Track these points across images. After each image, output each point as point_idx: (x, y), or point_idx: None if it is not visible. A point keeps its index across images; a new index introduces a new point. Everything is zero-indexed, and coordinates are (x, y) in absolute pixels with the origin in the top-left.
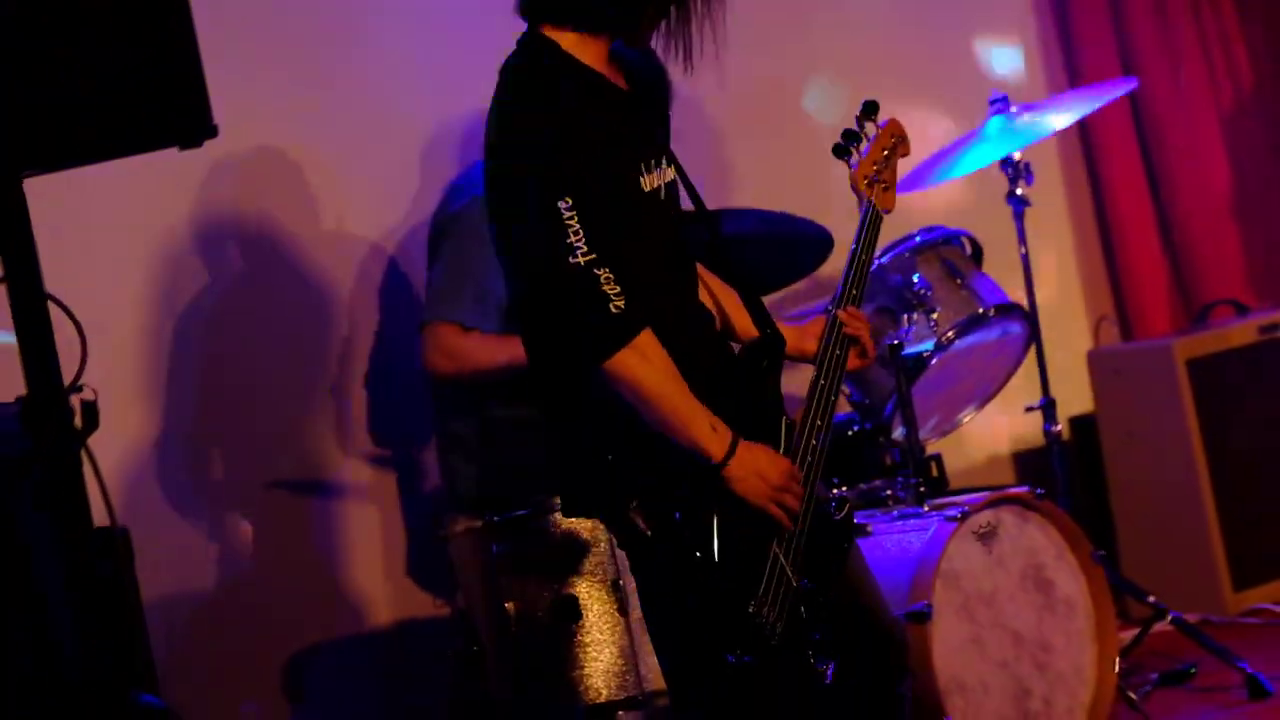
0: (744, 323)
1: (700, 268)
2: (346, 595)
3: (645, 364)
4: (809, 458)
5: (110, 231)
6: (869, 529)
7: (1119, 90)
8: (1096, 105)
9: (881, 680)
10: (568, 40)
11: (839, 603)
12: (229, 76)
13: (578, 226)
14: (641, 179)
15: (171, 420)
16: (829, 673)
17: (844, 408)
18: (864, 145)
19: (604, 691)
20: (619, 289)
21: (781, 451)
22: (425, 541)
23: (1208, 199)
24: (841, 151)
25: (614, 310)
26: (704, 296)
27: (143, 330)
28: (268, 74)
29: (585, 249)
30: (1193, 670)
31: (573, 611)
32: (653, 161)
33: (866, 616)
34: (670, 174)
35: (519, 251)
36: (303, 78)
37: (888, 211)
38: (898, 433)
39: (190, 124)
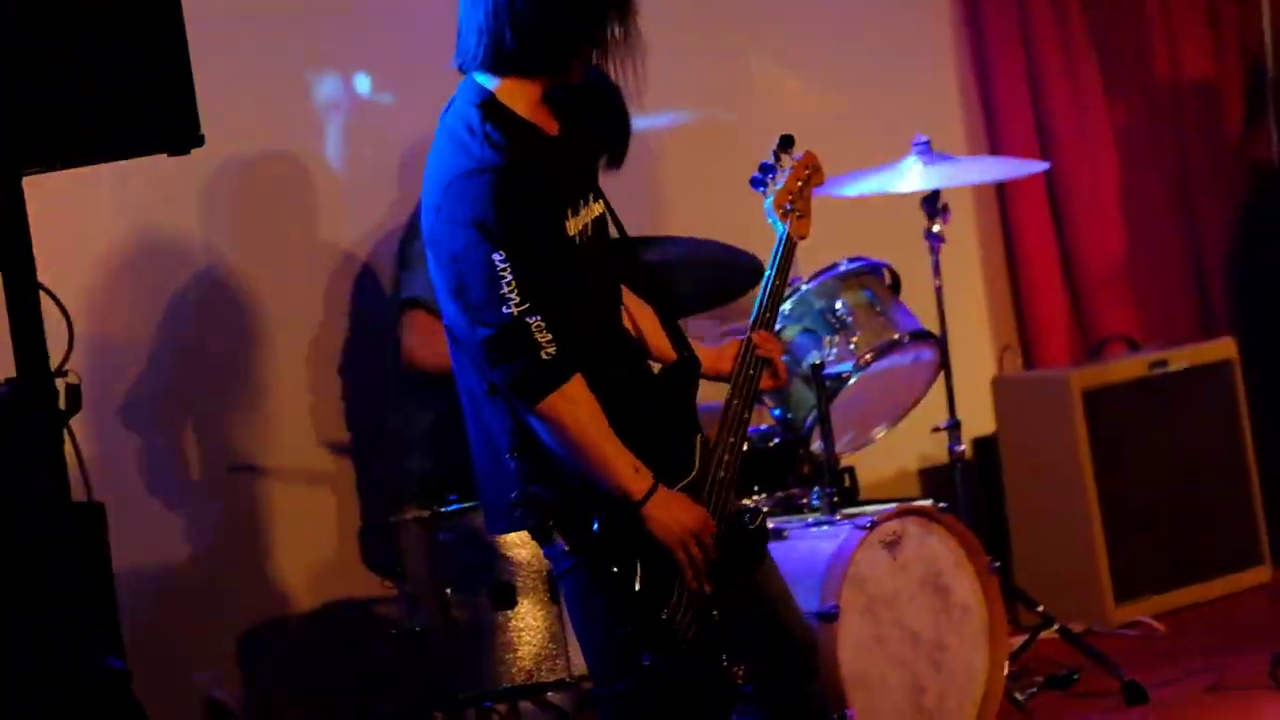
0: (660, 344)
1: (624, 290)
2: (303, 574)
3: (573, 408)
4: (721, 472)
5: (101, 225)
6: (785, 533)
7: (1034, 167)
8: (1011, 171)
9: (793, 679)
10: (502, 88)
11: (752, 607)
12: (217, 81)
13: (510, 278)
14: (567, 223)
15: (149, 405)
16: (741, 673)
17: (767, 421)
18: (780, 176)
19: (535, 673)
20: (550, 336)
21: (696, 467)
22: (377, 527)
23: (1106, 244)
24: (757, 183)
25: (544, 357)
26: (625, 319)
27: (127, 319)
28: (258, 82)
29: (518, 299)
30: (1075, 676)
31: (509, 598)
32: (580, 201)
33: (778, 620)
34: (598, 209)
35: (461, 298)
36: (291, 88)
37: (802, 238)
38: (816, 446)
39: (180, 133)
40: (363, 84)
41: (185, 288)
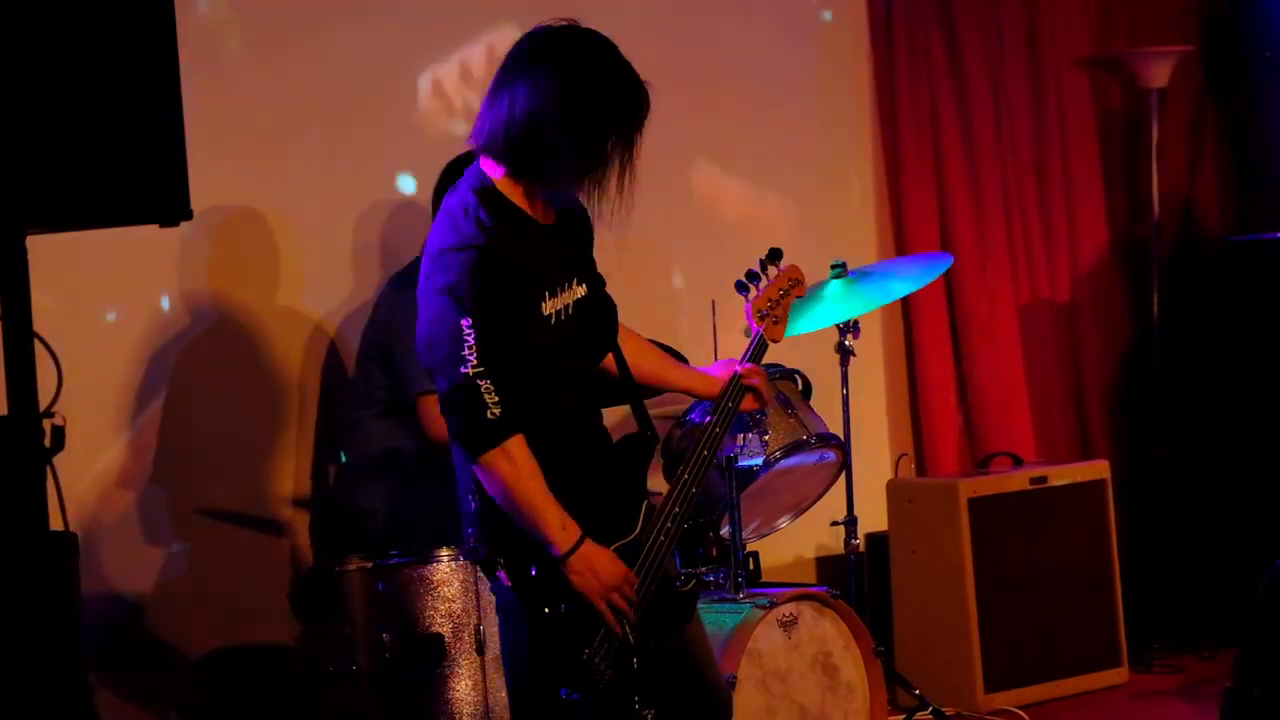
0: (663, 373)
1: (630, 333)
2: (256, 611)
3: (510, 464)
4: (662, 537)
5: (96, 281)
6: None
7: (940, 266)
8: (919, 286)
9: None
10: (503, 178)
11: (676, 661)
12: (213, 154)
13: (473, 343)
14: (544, 304)
15: (127, 448)
16: (650, 716)
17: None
18: (762, 283)
19: (458, 716)
20: (498, 399)
21: (638, 529)
22: (325, 573)
23: (999, 369)
24: (741, 287)
25: (490, 416)
26: (634, 353)
27: (113, 371)
28: (241, 160)
29: (475, 362)
30: None
31: (438, 648)
32: (563, 284)
33: (699, 676)
34: (581, 290)
35: (429, 353)
36: (274, 166)
37: (775, 341)
38: (725, 530)
39: (171, 207)
40: (338, 157)
41: (168, 345)
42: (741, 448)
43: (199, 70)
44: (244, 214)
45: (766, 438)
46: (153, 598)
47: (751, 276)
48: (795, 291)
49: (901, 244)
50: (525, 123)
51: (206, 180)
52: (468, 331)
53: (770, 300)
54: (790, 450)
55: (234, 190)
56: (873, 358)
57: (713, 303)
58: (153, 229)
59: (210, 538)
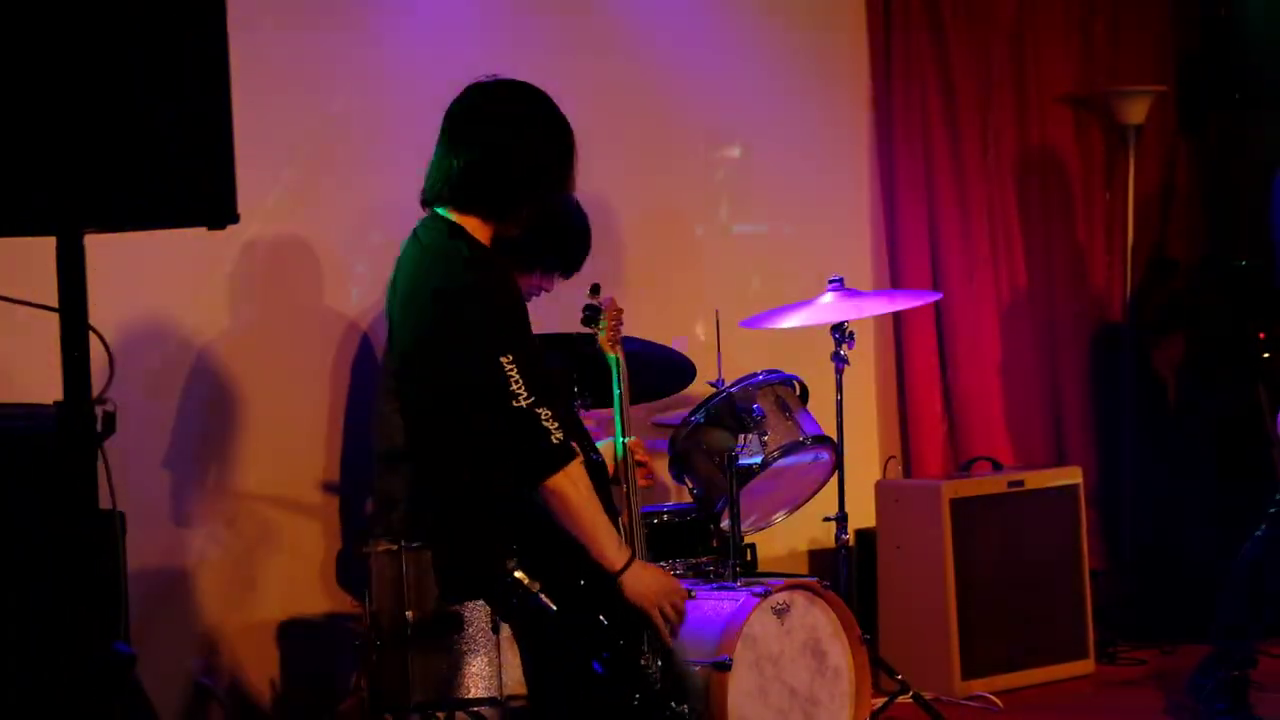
0: None
1: None
2: (288, 585)
3: (574, 486)
4: (635, 550)
5: (147, 279)
6: (693, 593)
7: (928, 298)
8: (910, 305)
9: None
10: (468, 223)
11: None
12: (258, 170)
13: (516, 376)
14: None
15: (173, 434)
16: (686, 712)
17: (687, 499)
18: (602, 318)
19: (472, 689)
20: (557, 424)
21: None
22: (352, 555)
23: (982, 379)
24: (590, 321)
25: (555, 441)
26: None
27: (162, 362)
28: (291, 169)
29: (525, 394)
30: None
31: (457, 625)
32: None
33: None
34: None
35: (468, 396)
36: (309, 181)
37: (621, 360)
38: (724, 524)
39: (219, 210)
40: (371, 172)
41: (213, 340)
42: (742, 447)
43: (243, 95)
44: (289, 225)
45: (765, 438)
46: (192, 573)
47: (593, 311)
48: (620, 318)
49: (895, 261)
50: (493, 167)
51: (259, 194)
52: (509, 367)
53: (614, 331)
54: (787, 450)
55: (284, 204)
56: (865, 367)
57: (716, 311)
58: (205, 233)
59: (247, 519)
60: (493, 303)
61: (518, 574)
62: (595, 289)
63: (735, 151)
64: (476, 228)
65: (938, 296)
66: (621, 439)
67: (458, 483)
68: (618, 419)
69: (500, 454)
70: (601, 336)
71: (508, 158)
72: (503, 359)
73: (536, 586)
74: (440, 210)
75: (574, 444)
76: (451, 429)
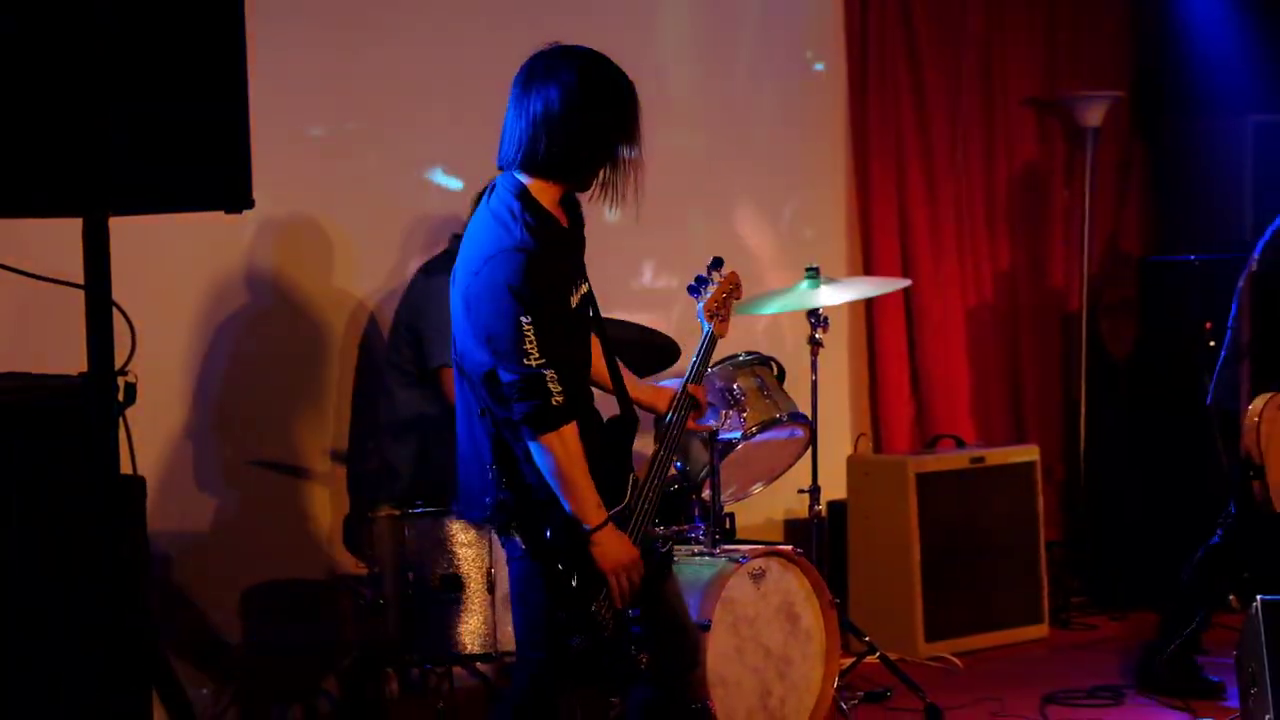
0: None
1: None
2: (297, 550)
3: (564, 447)
4: (645, 505)
5: (169, 258)
6: (676, 559)
7: (897, 285)
8: (880, 291)
9: (683, 668)
10: (533, 185)
11: (658, 610)
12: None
13: (533, 337)
14: (571, 298)
15: (191, 405)
16: (644, 660)
17: (671, 471)
18: (709, 288)
19: (469, 646)
20: (561, 387)
21: (628, 498)
22: (358, 519)
23: (948, 362)
24: (693, 290)
25: (554, 403)
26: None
27: (181, 337)
28: (305, 159)
29: (537, 355)
30: (889, 693)
31: (456, 585)
32: (581, 280)
33: (675, 620)
34: (585, 288)
35: (490, 345)
36: (324, 167)
37: (722, 336)
38: (705, 494)
39: (236, 196)
40: (379, 159)
41: (231, 317)
42: (723, 423)
43: (260, 86)
44: (303, 209)
45: (745, 415)
46: (208, 536)
47: (701, 281)
48: (736, 294)
49: (868, 251)
50: (555, 130)
51: (275, 180)
52: (527, 326)
53: (718, 301)
54: (765, 426)
55: (297, 189)
56: (839, 350)
57: None
58: (226, 217)
59: (260, 485)
60: (526, 266)
61: (501, 508)
62: (717, 262)
63: (722, 149)
64: (541, 190)
65: (907, 283)
66: (683, 390)
67: (475, 419)
68: (688, 377)
69: (508, 403)
70: (700, 305)
71: (567, 119)
72: (523, 319)
73: (513, 524)
74: (512, 173)
75: (574, 406)
76: (474, 374)
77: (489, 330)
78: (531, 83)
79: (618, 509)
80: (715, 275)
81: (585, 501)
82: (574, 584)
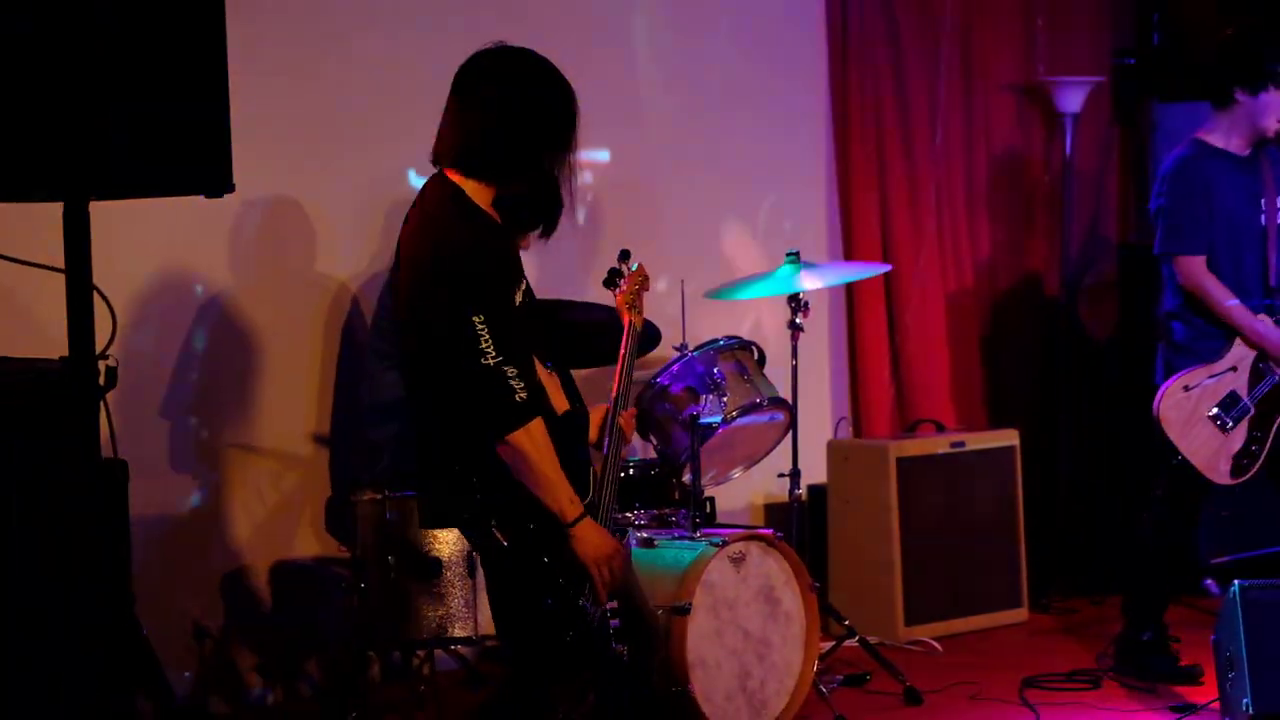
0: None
1: None
2: (279, 532)
3: (532, 443)
4: (607, 498)
5: (150, 245)
6: (656, 542)
7: (877, 270)
8: (860, 276)
9: (647, 655)
10: (470, 186)
11: (625, 601)
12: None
13: (487, 335)
14: (515, 294)
15: (171, 389)
16: (625, 653)
17: (652, 454)
18: (623, 282)
19: (449, 629)
20: (522, 384)
21: (591, 493)
22: (340, 503)
23: (928, 346)
24: (610, 284)
25: (518, 400)
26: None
27: (161, 321)
28: (286, 143)
29: (494, 353)
30: (868, 677)
31: (435, 569)
32: (520, 277)
33: (639, 609)
34: (525, 285)
35: (443, 348)
36: (315, 148)
37: (639, 327)
38: (686, 478)
39: (216, 180)
40: (363, 148)
41: (210, 301)
42: (703, 407)
43: (247, 74)
44: (286, 194)
45: (725, 399)
46: (190, 519)
47: (615, 274)
48: (645, 285)
49: (848, 237)
50: (493, 132)
51: (258, 166)
52: (480, 326)
53: (631, 294)
54: (745, 410)
55: (281, 175)
56: (820, 334)
57: (681, 281)
58: (208, 202)
59: (241, 468)
60: (474, 265)
61: (480, 509)
62: (624, 254)
63: (705, 132)
64: (476, 190)
65: (887, 268)
66: (615, 409)
67: (438, 425)
68: (618, 379)
69: (468, 405)
70: (616, 298)
71: (510, 120)
72: (475, 318)
73: (492, 523)
74: (445, 172)
75: (537, 402)
76: (435, 378)
77: (441, 332)
78: (471, 83)
79: (585, 503)
80: (625, 268)
81: (561, 496)
82: (560, 579)
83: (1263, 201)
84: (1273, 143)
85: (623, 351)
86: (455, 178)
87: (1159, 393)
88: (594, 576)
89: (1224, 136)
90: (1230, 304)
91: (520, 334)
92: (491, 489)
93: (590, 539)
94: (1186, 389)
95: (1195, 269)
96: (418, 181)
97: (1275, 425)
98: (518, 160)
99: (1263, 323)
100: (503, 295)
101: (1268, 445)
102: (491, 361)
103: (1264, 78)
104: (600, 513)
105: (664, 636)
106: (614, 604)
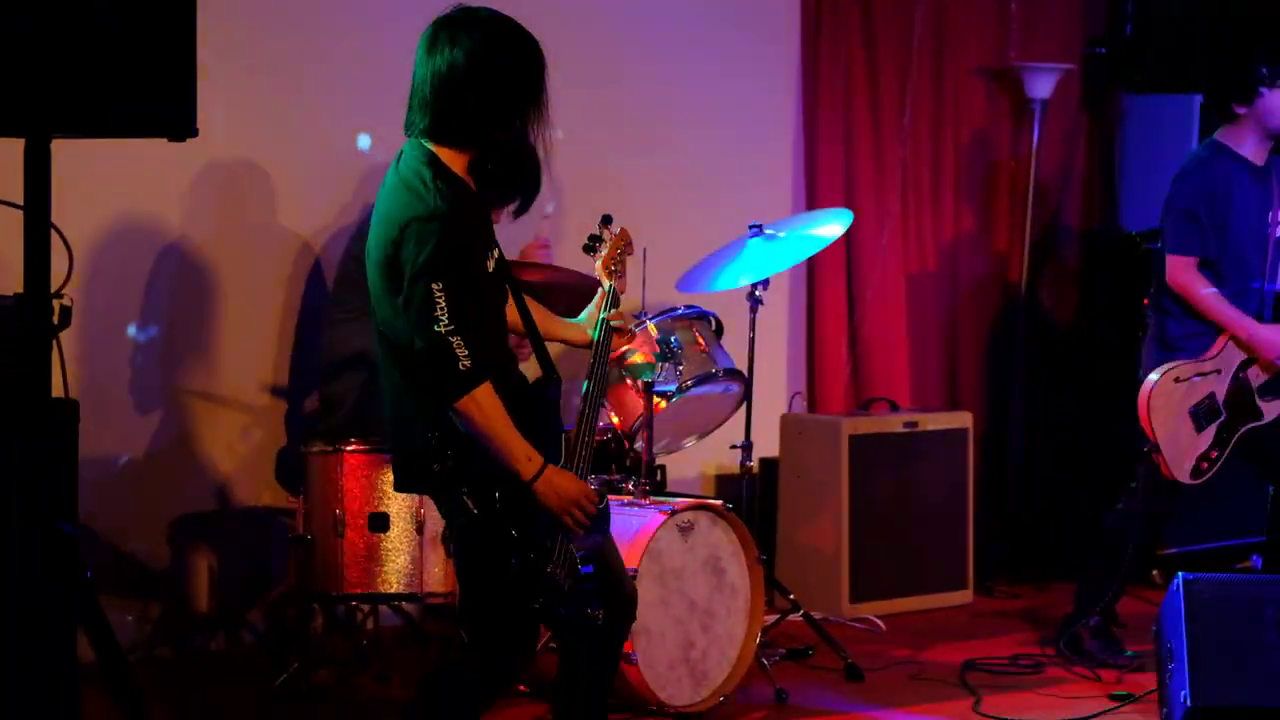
0: (547, 326)
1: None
2: (228, 482)
3: (479, 409)
4: (581, 463)
5: (113, 191)
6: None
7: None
8: (824, 245)
9: (622, 622)
10: (443, 153)
11: (599, 565)
12: (223, 93)
13: (443, 304)
14: (487, 262)
15: (130, 331)
16: (600, 617)
17: (605, 420)
18: (604, 246)
19: (394, 585)
20: (467, 352)
21: (563, 455)
22: (291, 452)
23: (886, 325)
24: (589, 249)
25: (461, 368)
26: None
27: (121, 267)
28: (253, 97)
29: (446, 321)
30: (810, 651)
31: (383, 524)
32: (494, 243)
33: (616, 575)
34: (498, 252)
35: (405, 313)
36: (281, 103)
37: (621, 292)
38: (639, 445)
39: (179, 123)
40: (329, 109)
41: (171, 247)
42: (659, 375)
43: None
44: (251, 148)
45: (681, 368)
46: (141, 462)
47: (595, 239)
48: (628, 249)
49: (812, 209)
50: (461, 95)
51: (223, 119)
52: (438, 294)
53: (613, 259)
54: (700, 380)
55: (248, 131)
56: (778, 308)
57: (644, 250)
58: (172, 147)
59: (197, 415)
60: (440, 233)
61: (447, 474)
62: (606, 219)
63: (667, 111)
64: (451, 157)
65: (845, 227)
66: (594, 373)
67: (412, 391)
68: (594, 336)
69: (422, 372)
70: (597, 264)
71: (476, 84)
72: (434, 285)
73: (464, 490)
74: (419, 139)
75: (490, 367)
76: (399, 344)
77: (404, 299)
78: (435, 47)
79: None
80: (606, 233)
81: (515, 454)
82: (529, 546)
83: (1269, 215)
84: None
85: (597, 315)
86: (430, 144)
87: (1150, 382)
88: (566, 522)
89: (1239, 141)
90: (1207, 292)
91: (491, 300)
92: (464, 456)
93: (555, 485)
94: (1177, 380)
95: (1190, 273)
96: (368, 145)
97: (1237, 436)
98: (487, 124)
99: (1250, 321)
100: (469, 263)
101: (1226, 453)
102: (443, 329)
103: (1253, 87)
104: (574, 475)
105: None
106: (587, 570)
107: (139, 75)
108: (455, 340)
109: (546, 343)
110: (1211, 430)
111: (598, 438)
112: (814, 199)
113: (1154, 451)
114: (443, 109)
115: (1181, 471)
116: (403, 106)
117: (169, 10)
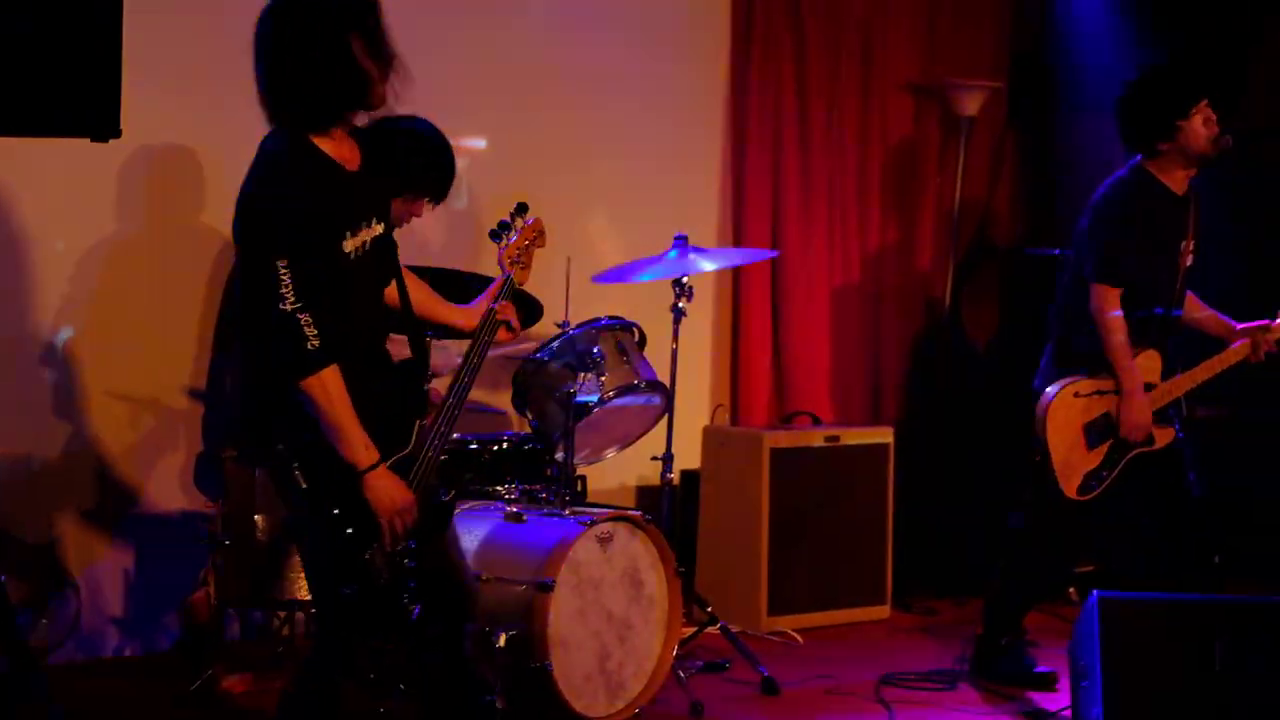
0: (432, 308)
1: (408, 272)
2: (146, 485)
3: (324, 392)
4: (431, 453)
5: (38, 181)
6: (524, 517)
7: (765, 255)
8: (747, 262)
9: (457, 620)
10: (315, 138)
11: (434, 562)
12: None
13: (289, 281)
14: (344, 242)
15: (46, 328)
16: (415, 611)
17: (526, 429)
18: (512, 234)
19: (304, 591)
20: (316, 331)
21: (412, 445)
22: (210, 458)
23: (810, 340)
24: (495, 236)
25: (309, 348)
26: (412, 289)
27: (47, 258)
28: (167, 88)
29: (293, 299)
30: (727, 665)
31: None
32: (361, 223)
33: (452, 573)
34: (379, 229)
35: (247, 288)
36: (198, 93)
37: (521, 284)
38: (559, 455)
39: (103, 124)
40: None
41: (94, 245)
42: (580, 385)
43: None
44: (175, 143)
45: (603, 379)
46: (57, 463)
47: (504, 226)
48: (539, 241)
49: (739, 224)
50: (289, 82)
51: (149, 111)
52: (283, 271)
53: (519, 249)
54: (622, 391)
55: (171, 123)
56: (703, 320)
57: (568, 259)
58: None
59: (114, 416)
60: (281, 208)
61: (286, 452)
62: (521, 207)
63: (597, 110)
64: (321, 140)
65: (774, 254)
66: (468, 361)
67: (254, 367)
68: (479, 328)
69: (268, 350)
70: (501, 251)
71: (294, 63)
72: (278, 262)
73: (295, 465)
74: (284, 129)
75: (338, 349)
76: (250, 322)
77: (250, 277)
78: (258, 45)
79: (401, 454)
80: (518, 222)
81: (353, 445)
82: (349, 530)
83: (1181, 245)
84: (1213, 162)
85: (489, 303)
86: (294, 131)
87: (1049, 395)
88: (382, 527)
89: (1163, 169)
90: (1120, 339)
91: (347, 281)
92: (298, 432)
93: (382, 489)
94: (1077, 396)
95: (1110, 301)
96: None
97: (1125, 460)
98: (317, 97)
99: (1139, 383)
100: (318, 241)
101: (1115, 474)
102: (289, 307)
103: (1171, 122)
104: (418, 466)
105: (527, 611)
106: (412, 563)
107: (60, 75)
108: (304, 318)
109: (437, 324)
110: (1103, 450)
111: (518, 446)
112: (741, 211)
113: (1043, 459)
114: (279, 99)
115: (1070, 486)
116: None
117: (94, 12)
